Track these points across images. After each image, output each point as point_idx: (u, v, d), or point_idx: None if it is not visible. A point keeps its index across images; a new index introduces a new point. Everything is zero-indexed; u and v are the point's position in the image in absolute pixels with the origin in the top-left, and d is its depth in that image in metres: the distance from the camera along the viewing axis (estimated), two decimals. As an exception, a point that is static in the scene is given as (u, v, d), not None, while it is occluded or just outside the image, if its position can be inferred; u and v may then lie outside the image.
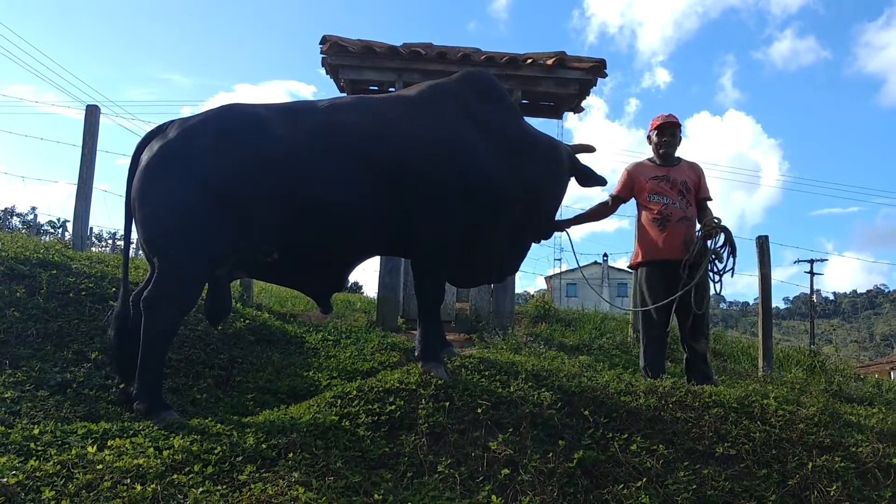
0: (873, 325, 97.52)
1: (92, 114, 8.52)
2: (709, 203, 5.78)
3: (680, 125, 5.80)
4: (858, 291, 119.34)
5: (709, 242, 5.49)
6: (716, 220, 5.54)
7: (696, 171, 5.82)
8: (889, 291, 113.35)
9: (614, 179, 6.67)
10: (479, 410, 3.96)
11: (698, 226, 5.62)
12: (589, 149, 5.35)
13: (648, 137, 5.89)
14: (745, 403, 4.41)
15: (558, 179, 5.10)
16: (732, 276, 5.57)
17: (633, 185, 5.72)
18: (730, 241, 5.50)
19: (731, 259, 5.51)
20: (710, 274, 5.52)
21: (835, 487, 3.68)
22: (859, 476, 3.83)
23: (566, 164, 5.13)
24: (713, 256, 5.47)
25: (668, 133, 5.76)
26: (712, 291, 5.60)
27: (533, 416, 3.97)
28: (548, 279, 44.72)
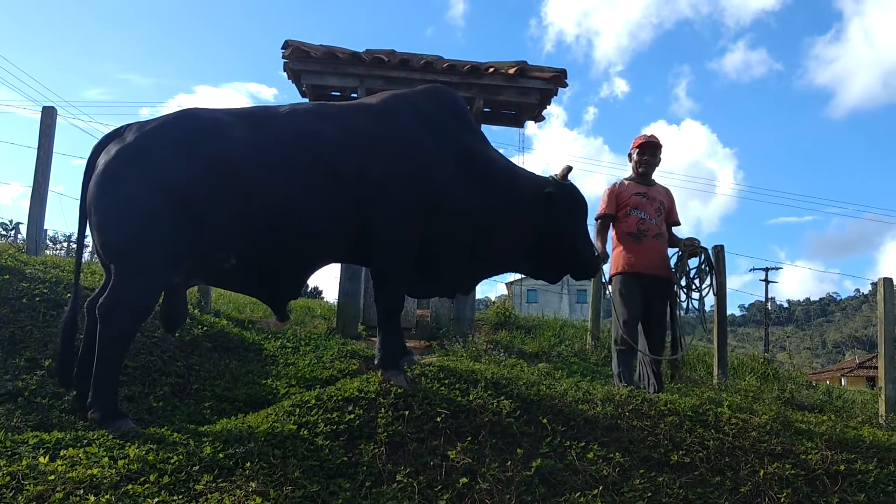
0: (825, 332, 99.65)
1: (48, 115, 8.37)
2: (675, 228, 6.01)
3: (661, 146, 5.95)
4: (811, 299, 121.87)
5: (692, 261, 5.69)
6: (696, 241, 5.78)
7: (669, 195, 6.02)
8: (840, 300, 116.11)
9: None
10: (439, 419, 3.97)
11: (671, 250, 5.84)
12: (569, 169, 5.12)
13: (629, 155, 6.03)
14: (699, 412, 4.49)
15: (516, 206, 4.85)
16: (715, 294, 5.79)
17: (618, 201, 5.82)
18: (709, 261, 5.72)
19: (710, 277, 5.72)
20: (693, 291, 5.70)
21: (785, 494, 3.77)
22: (808, 483, 3.93)
23: (530, 193, 4.89)
24: (695, 275, 5.66)
25: (648, 152, 5.91)
26: (692, 305, 5.81)
27: (492, 425, 4.00)
28: (509, 285, 44.90)
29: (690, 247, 5.74)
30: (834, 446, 4.28)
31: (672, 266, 5.75)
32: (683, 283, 5.71)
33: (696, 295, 5.75)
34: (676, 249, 5.85)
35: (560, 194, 4.93)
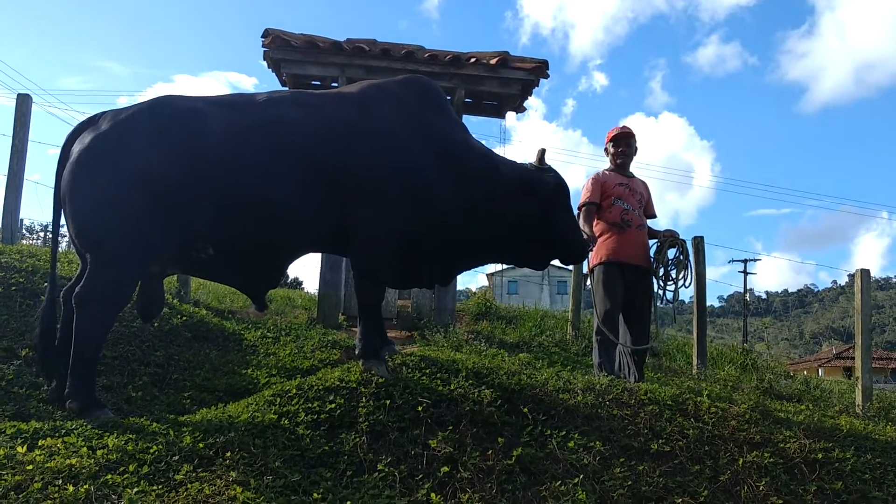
0: (803, 323, 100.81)
1: (23, 103, 8.28)
2: (650, 221, 6.06)
3: (634, 135, 5.98)
4: (790, 291, 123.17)
5: (671, 252, 5.72)
6: (676, 233, 5.84)
7: (647, 188, 6.08)
8: (818, 291, 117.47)
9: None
10: (420, 408, 3.97)
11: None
12: (543, 152, 5.02)
13: (606, 149, 6.07)
14: (679, 401, 4.51)
15: (497, 195, 4.75)
16: (687, 286, 5.82)
17: (603, 190, 5.82)
18: (685, 253, 5.80)
19: (687, 269, 5.80)
20: (669, 282, 5.74)
21: (764, 482, 3.81)
22: (787, 471, 3.97)
23: (512, 181, 4.79)
24: (673, 266, 5.71)
25: (623, 143, 5.97)
26: (670, 297, 5.82)
27: (473, 414, 4.00)
28: (489, 276, 45.00)
29: (670, 238, 5.77)
30: (812, 435, 4.32)
31: (651, 256, 5.78)
32: (661, 273, 5.74)
33: (672, 286, 5.78)
34: (655, 241, 5.89)
35: (541, 179, 4.87)
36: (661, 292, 5.75)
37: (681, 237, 5.85)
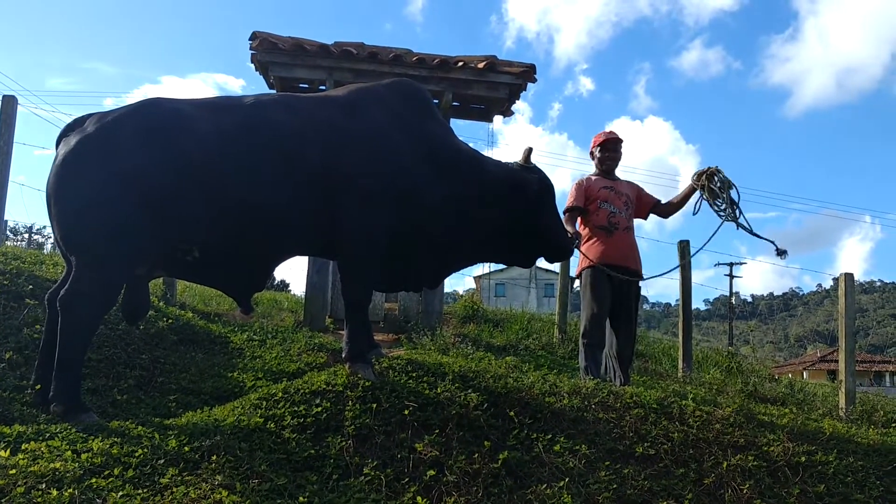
0: (788, 326, 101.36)
1: (8, 104, 8.20)
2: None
3: (621, 140, 5.99)
4: (774, 294, 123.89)
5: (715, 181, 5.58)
6: (702, 171, 5.69)
7: (633, 187, 6.08)
8: (803, 294, 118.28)
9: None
10: (406, 412, 3.97)
11: (640, 231, 5.85)
12: (530, 151, 5.08)
13: (591, 153, 6.05)
14: (664, 404, 4.53)
15: (485, 196, 4.80)
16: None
17: (587, 194, 5.83)
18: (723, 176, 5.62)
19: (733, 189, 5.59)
20: (723, 205, 5.58)
21: (748, 485, 3.83)
22: (770, 474, 4.00)
23: (498, 181, 4.84)
24: (721, 187, 5.55)
25: (610, 148, 5.98)
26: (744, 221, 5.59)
27: (459, 418, 4.00)
28: (477, 279, 45.05)
29: (704, 173, 5.64)
30: (795, 438, 4.35)
31: (704, 198, 5.67)
32: (725, 202, 5.54)
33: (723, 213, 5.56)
34: (697, 194, 5.76)
35: (527, 179, 4.91)
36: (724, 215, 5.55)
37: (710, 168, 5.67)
